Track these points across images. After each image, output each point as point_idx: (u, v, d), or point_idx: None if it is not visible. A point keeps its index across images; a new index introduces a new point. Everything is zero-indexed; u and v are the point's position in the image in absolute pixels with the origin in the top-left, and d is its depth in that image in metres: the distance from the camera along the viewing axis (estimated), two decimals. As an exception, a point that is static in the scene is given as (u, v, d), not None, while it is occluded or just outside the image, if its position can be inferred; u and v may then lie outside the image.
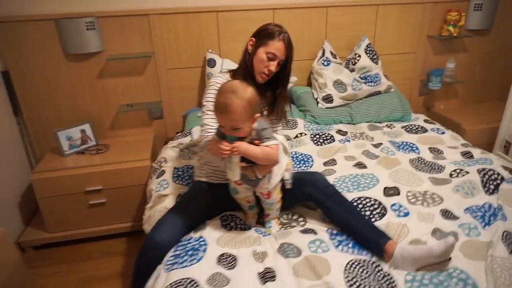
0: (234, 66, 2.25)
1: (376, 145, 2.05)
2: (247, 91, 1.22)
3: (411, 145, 2.04)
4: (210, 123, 1.45)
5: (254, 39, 1.51)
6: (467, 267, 1.20)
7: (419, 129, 2.23)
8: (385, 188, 1.64)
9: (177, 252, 1.32)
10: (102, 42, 2.17)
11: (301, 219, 1.53)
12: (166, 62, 2.31)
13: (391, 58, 2.57)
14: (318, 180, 1.49)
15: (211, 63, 2.26)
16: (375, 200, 1.57)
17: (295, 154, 1.97)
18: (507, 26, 2.67)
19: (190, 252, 1.30)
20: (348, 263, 1.24)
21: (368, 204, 1.54)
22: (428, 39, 2.58)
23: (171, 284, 1.18)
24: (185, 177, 1.82)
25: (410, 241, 1.35)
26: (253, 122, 1.26)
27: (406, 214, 1.49)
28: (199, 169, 1.63)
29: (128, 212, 2.18)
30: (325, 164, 1.89)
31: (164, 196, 1.74)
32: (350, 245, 1.34)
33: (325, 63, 2.37)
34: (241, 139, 1.26)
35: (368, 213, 1.50)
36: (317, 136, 2.13)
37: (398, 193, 1.61)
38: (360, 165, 1.84)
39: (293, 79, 2.40)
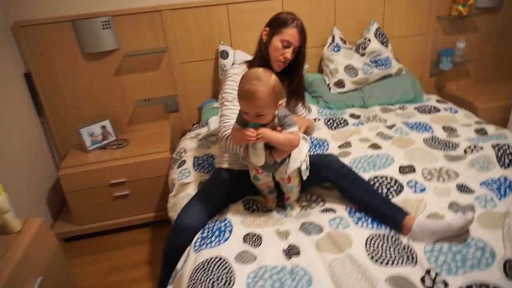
0: (247, 56, 2.32)
1: (390, 127, 2.09)
2: (271, 78, 1.26)
3: (424, 125, 2.07)
4: (228, 113, 1.50)
5: (268, 29, 1.55)
6: (484, 236, 1.25)
7: (432, 109, 2.25)
8: (400, 167, 1.69)
9: (204, 234, 1.39)
10: (117, 40, 2.25)
11: (319, 199, 1.58)
12: (180, 56, 2.37)
13: (401, 40, 2.58)
14: (332, 161, 1.54)
15: (224, 55, 2.32)
16: (391, 178, 1.61)
17: (311, 139, 2.02)
18: (518, 2, 2.66)
19: (216, 233, 1.37)
20: (368, 237, 1.29)
21: (385, 182, 1.59)
22: (437, 19, 2.59)
23: (202, 262, 1.25)
24: (206, 165, 1.89)
25: (427, 215, 1.40)
26: (276, 109, 1.30)
27: (423, 190, 1.53)
28: (220, 157, 1.69)
29: (150, 203, 2.26)
30: (340, 147, 1.94)
31: (186, 184, 1.80)
32: (369, 221, 1.40)
33: (335, 48, 2.40)
34: (263, 126, 1.29)
35: (385, 190, 1.55)
36: (331, 121, 2.18)
37: (414, 171, 1.66)
38: (375, 146, 1.88)
39: (304, 66, 2.43)
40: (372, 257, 1.21)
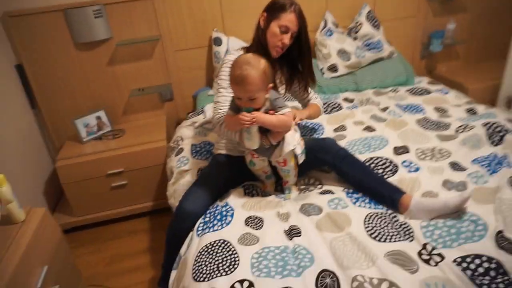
0: (240, 43, 2.32)
1: (383, 109, 2.12)
2: (261, 62, 1.29)
3: (416, 106, 2.11)
4: (223, 100, 1.51)
5: (265, 14, 1.54)
6: (477, 210, 1.30)
7: (424, 91, 2.29)
8: (394, 148, 1.73)
9: (207, 219, 1.42)
10: (110, 29, 2.22)
11: (317, 182, 1.62)
12: (173, 44, 2.36)
13: (392, 23, 2.60)
14: (330, 144, 1.57)
15: (218, 41, 2.31)
16: (386, 158, 1.65)
17: (306, 123, 2.04)
18: (506, -18, 2.69)
19: (218, 217, 1.40)
20: (367, 216, 1.34)
21: (380, 163, 1.63)
22: (427, 1, 2.61)
23: (206, 245, 1.28)
24: (203, 152, 1.90)
25: (422, 194, 1.44)
26: (267, 92, 1.33)
27: (417, 169, 1.58)
28: (218, 143, 1.71)
29: (148, 192, 2.28)
30: (335, 130, 1.97)
31: (185, 171, 1.82)
32: (367, 200, 1.44)
33: (328, 33, 2.42)
34: (255, 110, 1.32)
35: (380, 171, 1.59)
36: (325, 105, 2.20)
37: (408, 151, 1.70)
38: (369, 129, 1.91)
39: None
40: (371, 235, 1.26)
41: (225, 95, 1.53)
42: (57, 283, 1.30)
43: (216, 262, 1.20)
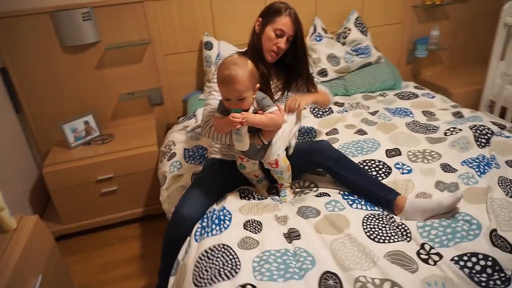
0: (231, 47, 2.33)
1: (373, 113, 2.16)
2: (247, 63, 1.32)
3: (405, 110, 2.16)
4: (214, 103, 1.50)
5: (260, 19, 1.54)
6: (470, 210, 1.33)
7: (411, 95, 2.35)
8: (387, 150, 1.76)
9: (204, 223, 1.41)
10: (98, 32, 2.19)
11: (312, 185, 1.63)
12: (163, 48, 2.34)
13: (379, 29, 2.66)
14: (325, 147, 1.58)
15: (208, 46, 2.31)
16: (379, 161, 1.68)
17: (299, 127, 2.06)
18: (484, -9, 2.80)
19: (216, 222, 1.39)
20: (364, 217, 1.36)
21: (374, 165, 1.66)
22: (412, 8, 2.68)
23: (205, 250, 1.26)
24: (196, 156, 1.89)
25: (416, 195, 1.48)
26: (254, 93, 1.35)
27: (410, 171, 1.61)
28: (212, 148, 1.70)
29: (138, 198, 2.24)
30: (327, 134, 1.99)
31: (179, 176, 1.81)
32: (363, 202, 1.45)
33: (318, 38, 2.45)
34: (244, 111, 1.33)
35: (374, 173, 1.61)
36: (316, 109, 2.23)
37: (400, 153, 1.73)
38: (361, 132, 1.94)
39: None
40: (370, 236, 1.27)
41: (216, 98, 1.51)
42: (51, 292, 1.26)
43: (217, 267, 1.19)
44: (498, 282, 1.07)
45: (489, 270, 1.11)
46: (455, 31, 2.87)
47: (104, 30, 2.20)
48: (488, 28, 2.93)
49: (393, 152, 1.75)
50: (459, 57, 2.99)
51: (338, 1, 2.53)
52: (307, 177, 1.67)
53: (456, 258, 1.16)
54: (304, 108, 1.65)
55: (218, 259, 1.22)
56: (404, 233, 1.29)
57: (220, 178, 1.59)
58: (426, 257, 1.18)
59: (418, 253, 1.20)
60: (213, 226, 1.37)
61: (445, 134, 1.86)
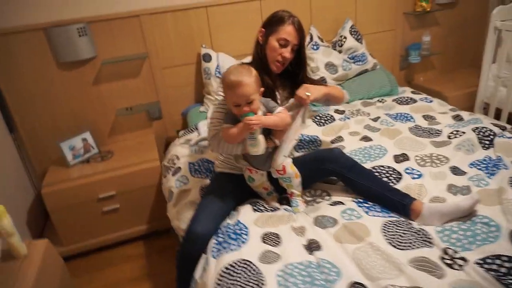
0: (230, 59, 2.32)
1: (375, 119, 2.18)
2: (251, 69, 1.36)
3: (405, 115, 2.18)
4: (219, 117, 1.48)
5: (263, 30, 1.54)
6: (485, 212, 1.34)
7: (409, 100, 2.38)
8: (394, 156, 1.77)
9: (220, 239, 1.37)
10: (94, 47, 2.15)
11: (324, 193, 1.62)
12: (160, 62, 2.31)
13: (372, 37, 2.70)
14: (337, 155, 1.57)
15: (207, 58, 2.29)
16: (389, 167, 1.69)
17: (302, 136, 2.05)
18: (471, -3, 2.89)
19: (233, 237, 1.36)
20: (383, 224, 1.35)
21: (384, 171, 1.66)
22: (404, 15, 2.74)
23: (225, 267, 1.23)
24: (202, 170, 1.86)
25: (430, 199, 1.48)
26: (259, 96, 1.37)
27: (420, 176, 1.62)
28: (220, 161, 1.68)
29: (141, 215, 2.19)
30: (332, 142, 1.99)
31: (186, 191, 1.77)
32: (378, 209, 1.45)
33: (315, 47, 2.47)
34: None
35: (385, 179, 1.61)
36: (318, 118, 2.23)
37: (408, 158, 1.74)
38: (366, 138, 1.95)
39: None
40: (391, 243, 1.26)
41: (222, 110, 1.49)
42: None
43: (241, 284, 1.16)
44: (526, 283, 1.07)
45: (515, 272, 1.11)
46: (445, 37, 2.94)
47: (100, 45, 2.16)
48: (476, 32, 3.03)
49: (401, 158, 1.75)
50: (450, 61, 3.06)
51: (332, 10, 2.56)
52: (318, 186, 1.66)
53: (480, 262, 1.16)
54: (314, 107, 1.63)
55: (241, 276, 1.19)
56: (425, 238, 1.28)
57: (230, 192, 1.56)
58: (450, 262, 1.18)
59: (442, 258, 1.19)
60: (231, 241, 1.34)
61: (449, 137, 1.89)
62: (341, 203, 1.51)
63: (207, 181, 1.78)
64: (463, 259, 1.17)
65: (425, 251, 1.23)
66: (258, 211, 1.52)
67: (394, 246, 1.25)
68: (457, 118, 2.10)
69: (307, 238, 1.34)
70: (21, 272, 1.13)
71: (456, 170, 1.63)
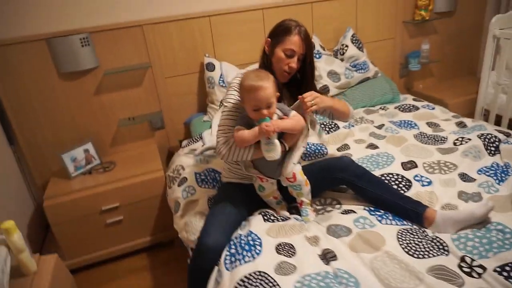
0: (234, 68, 2.32)
1: (379, 127, 2.19)
2: (267, 73, 1.38)
3: (409, 122, 2.19)
4: (229, 124, 1.47)
5: (269, 40, 1.53)
6: (498, 218, 1.34)
7: (412, 107, 2.40)
8: (402, 163, 1.77)
9: (233, 250, 1.35)
10: (96, 57, 2.12)
11: (334, 202, 1.61)
12: (163, 71, 2.29)
13: (373, 45, 2.73)
14: (347, 163, 1.57)
15: (210, 67, 2.28)
16: (397, 174, 1.68)
17: (307, 145, 2.04)
18: (468, 6, 2.93)
19: (246, 247, 1.33)
20: (398, 232, 1.34)
21: (393, 179, 1.66)
22: (403, 24, 2.78)
23: (241, 279, 1.20)
24: (209, 180, 1.83)
25: (442, 206, 1.48)
26: (276, 100, 1.38)
27: (429, 183, 1.62)
28: (227, 171, 1.66)
29: (146, 226, 2.15)
30: (339, 149, 1.99)
31: (194, 201, 1.74)
32: (390, 217, 1.44)
33: (317, 56, 2.48)
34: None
35: (395, 186, 1.61)
36: (322, 126, 2.23)
37: (416, 166, 1.74)
38: (372, 146, 1.95)
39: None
40: (408, 252, 1.25)
41: (230, 118, 1.48)
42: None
43: (258, 297, 1.13)
44: (547, 290, 1.07)
45: (535, 279, 1.10)
46: (443, 45, 2.98)
47: (102, 55, 2.14)
48: (473, 41, 3.08)
49: (409, 165, 1.76)
50: (448, 69, 3.10)
51: (334, 19, 2.58)
52: (328, 194, 1.65)
53: (498, 269, 1.15)
54: (316, 114, 1.64)
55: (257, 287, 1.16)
56: (441, 246, 1.28)
57: (240, 202, 1.54)
58: (469, 270, 1.17)
59: (460, 267, 1.19)
60: (244, 253, 1.31)
61: (455, 144, 1.90)
62: (353, 211, 1.50)
63: (215, 192, 1.75)
64: (481, 267, 1.17)
65: (442, 260, 1.22)
66: (269, 221, 1.50)
67: (411, 255, 1.24)
68: (461, 125, 2.11)
69: (322, 248, 1.32)
70: (32, 289, 1.09)
71: (465, 177, 1.64)
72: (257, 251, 1.32)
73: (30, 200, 2.22)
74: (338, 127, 2.21)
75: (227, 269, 1.29)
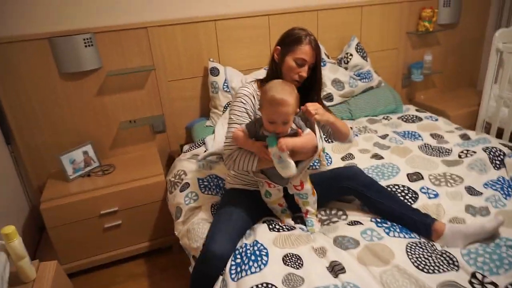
0: (238, 73, 2.30)
1: (383, 137, 2.17)
2: (293, 87, 1.36)
3: (413, 133, 2.19)
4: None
5: (279, 48, 1.51)
6: (509, 234, 1.33)
7: (415, 118, 2.39)
8: (408, 175, 1.76)
9: (238, 260, 1.32)
10: (100, 58, 2.09)
11: (340, 212, 1.58)
12: (167, 74, 2.26)
13: (377, 55, 2.73)
14: (356, 173, 1.56)
15: (215, 71, 2.26)
16: (403, 186, 1.67)
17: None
18: (471, 19, 2.95)
19: (252, 258, 1.30)
20: (407, 246, 1.32)
21: (399, 190, 1.64)
22: (407, 35, 2.78)
23: (248, 290, 1.17)
24: (212, 186, 1.80)
25: (449, 220, 1.46)
26: (295, 116, 1.36)
27: (436, 195, 1.61)
28: (232, 178, 1.63)
29: (144, 231, 2.10)
30: (343, 159, 1.97)
31: (196, 208, 1.71)
32: (398, 229, 1.42)
33: (322, 63, 2.46)
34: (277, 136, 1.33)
35: (401, 198, 1.59)
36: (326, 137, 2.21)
37: (422, 178, 1.73)
38: (377, 156, 1.94)
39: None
40: (418, 266, 1.23)
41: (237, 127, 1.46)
42: None
43: (267, 309, 1.10)
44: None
45: (548, 297, 1.09)
46: (445, 56, 3.00)
47: (105, 56, 2.10)
48: (474, 53, 3.10)
49: (415, 177, 1.74)
50: (450, 80, 3.11)
51: (338, 28, 2.58)
52: (333, 205, 1.63)
53: (510, 286, 1.14)
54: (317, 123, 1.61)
55: (265, 300, 1.13)
56: (450, 261, 1.26)
57: (245, 209, 1.51)
58: (480, 286, 1.15)
59: (471, 283, 1.17)
60: (250, 263, 1.28)
61: (460, 156, 1.89)
62: (360, 222, 1.48)
63: (218, 199, 1.72)
64: (493, 283, 1.15)
65: (452, 275, 1.20)
66: (275, 231, 1.47)
67: (421, 270, 1.22)
68: (465, 137, 2.11)
69: (330, 260, 1.30)
70: (31, 297, 1.05)
71: (471, 191, 1.63)
72: (264, 262, 1.29)
73: (25, 201, 2.17)
74: (342, 136, 2.19)
75: (232, 279, 1.26)
